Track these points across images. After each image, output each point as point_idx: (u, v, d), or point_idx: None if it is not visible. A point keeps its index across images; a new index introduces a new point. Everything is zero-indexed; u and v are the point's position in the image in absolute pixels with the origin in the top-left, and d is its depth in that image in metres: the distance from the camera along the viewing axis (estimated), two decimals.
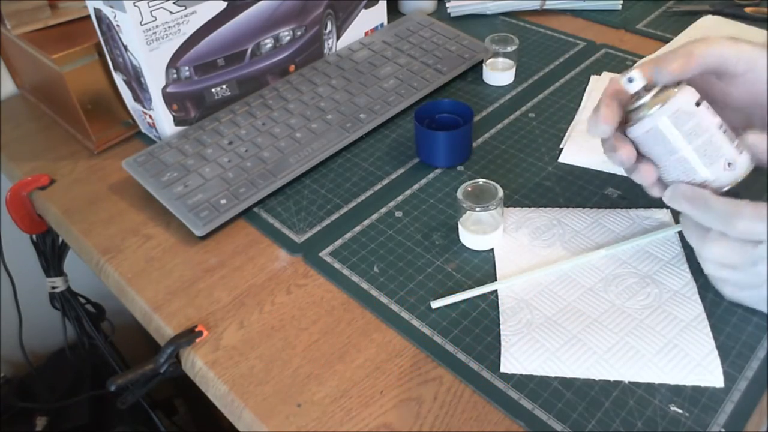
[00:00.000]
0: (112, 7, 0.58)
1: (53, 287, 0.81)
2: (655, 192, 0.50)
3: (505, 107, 0.73)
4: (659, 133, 0.47)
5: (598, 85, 0.74)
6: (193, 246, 0.59)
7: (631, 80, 0.46)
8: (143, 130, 0.73)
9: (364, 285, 0.54)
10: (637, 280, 0.51)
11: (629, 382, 0.45)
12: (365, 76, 0.74)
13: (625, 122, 0.49)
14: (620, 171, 0.62)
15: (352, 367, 0.48)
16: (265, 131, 0.67)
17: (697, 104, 0.46)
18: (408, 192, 0.62)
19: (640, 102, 0.47)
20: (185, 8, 0.62)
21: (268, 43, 0.71)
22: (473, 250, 0.56)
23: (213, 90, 0.69)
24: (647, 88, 0.47)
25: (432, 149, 0.64)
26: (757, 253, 0.42)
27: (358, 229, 0.59)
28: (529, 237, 0.56)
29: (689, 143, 0.46)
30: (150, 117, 0.68)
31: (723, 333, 0.47)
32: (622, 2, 0.88)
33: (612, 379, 0.45)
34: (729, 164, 0.47)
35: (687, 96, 0.46)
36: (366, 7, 0.80)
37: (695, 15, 0.85)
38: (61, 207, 0.65)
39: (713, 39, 0.46)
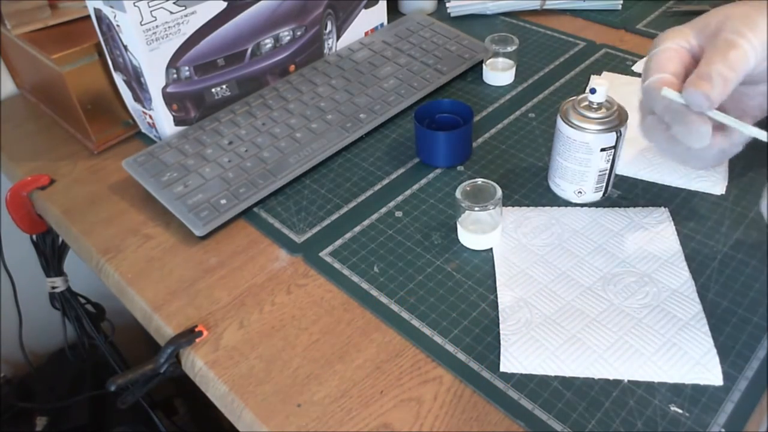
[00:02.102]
0: (112, 7, 0.58)
1: (53, 287, 0.81)
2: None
3: (505, 107, 0.73)
4: (567, 140, 0.55)
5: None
6: (193, 246, 0.59)
7: (593, 92, 0.53)
8: (143, 130, 0.73)
9: (364, 285, 0.54)
10: (635, 279, 0.51)
11: (629, 382, 0.45)
12: (365, 76, 0.74)
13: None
14: (619, 171, 0.62)
15: (352, 367, 0.48)
16: (265, 131, 0.67)
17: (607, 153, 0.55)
18: (408, 192, 0.62)
19: (588, 114, 0.54)
20: (185, 8, 0.62)
21: (268, 43, 0.71)
22: (473, 250, 0.56)
23: (213, 90, 0.69)
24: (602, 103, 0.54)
25: (432, 149, 0.64)
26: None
27: (358, 229, 0.59)
28: (528, 236, 0.56)
29: (568, 162, 0.56)
30: (150, 117, 0.68)
31: (723, 333, 0.47)
32: (622, 2, 0.89)
33: (611, 377, 0.45)
34: (579, 192, 0.58)
35: (610, 141, 0.54)
36: (366, 7, 0.80)
37: (695, 15, 0.85)
38: (61, 207, 0.65)
39: (737, 42, 0.42)
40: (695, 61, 0.45)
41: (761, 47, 0.42)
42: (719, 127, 0.44)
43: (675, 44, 0.46)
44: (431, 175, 0.64)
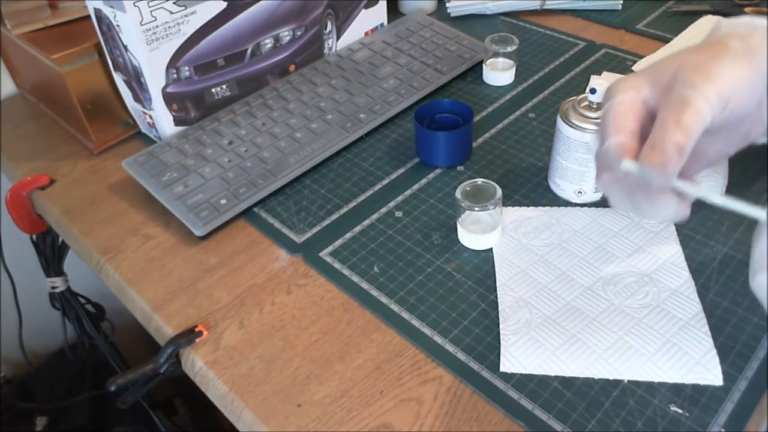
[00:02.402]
0: (112, 7, 0.58)
1: (53, 287, 0.81)
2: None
3: (505, 107, 0.73)
4: (567, 140, 0.56)
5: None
6: (193, 246, 0.59)
7: (593, 92, 0.54)
8: (143, 130, 0.73)
9: (364, 285, 0.54)
10: (635, 279, 0.51)
11: (629, 382, 0.45)
12: (365, 76, 0.74)
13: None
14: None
15: (352, 367, 0.48)
16: (265, 131, 0.67)
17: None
18: (408, 192, 0.62)
19: (588, 114, 0.54)
20: (185, 8, 0.62)
21: (268, 43, 0.71)
22: (473, 250, 0.56)
23: (213, 90, 0.69)
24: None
25: (432, 149, 0.64)
26: None
27: (358, 229, 0.59)
28: (528, 236, 0.56)
29: (568, 162, 0.57)
30: (150, 117, 0.68)
31: (723, 333, 0.47)
32: (622, 2, 0.89)
33: (611, 377, 0.45)
34: (579, 192, 0.58)
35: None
36: (366, 7, 0.80)
37: (695, 15, 0.85)
38: (61, 207, 0.65)
39: (690, 99, 0.39)
40: (651, 114, 0.42)
41: (717, 99, 0.39)
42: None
43: (630, 97, 0.42)
44: (431, 175, 0.64)
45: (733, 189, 0.59)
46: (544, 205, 0.59)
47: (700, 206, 0.58)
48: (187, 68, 0.65)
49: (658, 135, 0.39)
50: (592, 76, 0.76)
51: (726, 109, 0.40)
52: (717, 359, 0.45)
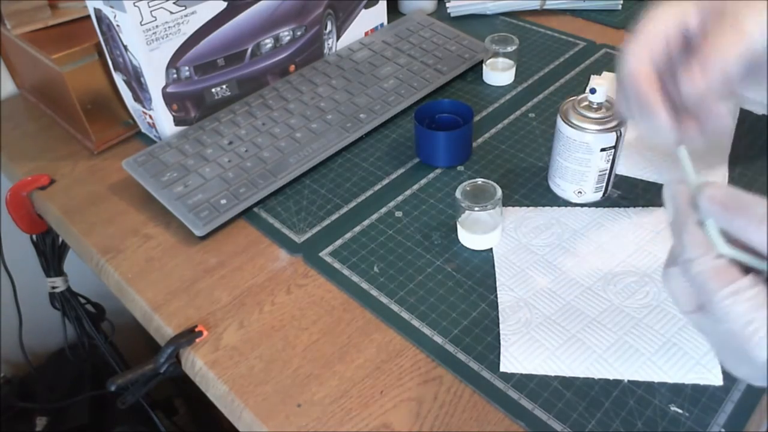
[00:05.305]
0: (112, 7, 0.59)
1: (53, 287, 0.81)
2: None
3: (505, 107, 0.73)
4: (567, 140, 0.55)
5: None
6: (193, 246, 0.59)
7: (593, 92, 0.54)
8: (143, 130, 0.73)
9: (364, 285, 0.54)
10: (635, 279, 0.51)
11: (629, 382, 0.45)
12: (365, 76, 0.74)
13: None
14: (619, 171, 0.62)
15: (352, 367, 0.48)
16: (265, 131, 0.67)
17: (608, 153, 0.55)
18: (408, 192, 0.62)
19: (588, 114, 0.54)
20: (185, 8, 0.62)
21: (268, 43, 0.71)
22: (473, 250, 0.56)
23: (213, 90, 0.69)
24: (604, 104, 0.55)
25: (432, 149, 0.64)
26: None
27: (358, 229, 0.59)
28: (528, 236, 0.56)
29: (568, 162, 0.56)
30: (150, 117, 0.68)
31: None
32: (622, 2, 0.89)
33: (611, 377, 0.45)
34: (579, 192, 0.58)
35: (610, 141, 0.54)
36: (366, 7, 0.80)
37: None
38: (61, 207, 0.65)
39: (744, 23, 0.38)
40: (687, 41, 0.41)
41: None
42: (690, 117, 0.40)
43: (670, 18, 0.41)
44: (431, 175, 0.64)
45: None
46: (544, 205, 0.59)
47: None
48: (187, 68, 0.65)
49: (707, 49, 0.38)
50: (592, 76, 0.76)
51: None
52: (717, 359, 0.45)
